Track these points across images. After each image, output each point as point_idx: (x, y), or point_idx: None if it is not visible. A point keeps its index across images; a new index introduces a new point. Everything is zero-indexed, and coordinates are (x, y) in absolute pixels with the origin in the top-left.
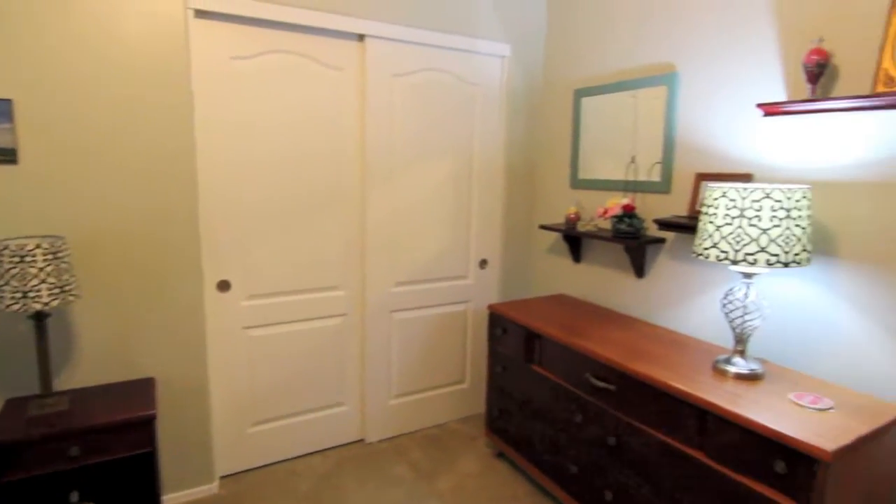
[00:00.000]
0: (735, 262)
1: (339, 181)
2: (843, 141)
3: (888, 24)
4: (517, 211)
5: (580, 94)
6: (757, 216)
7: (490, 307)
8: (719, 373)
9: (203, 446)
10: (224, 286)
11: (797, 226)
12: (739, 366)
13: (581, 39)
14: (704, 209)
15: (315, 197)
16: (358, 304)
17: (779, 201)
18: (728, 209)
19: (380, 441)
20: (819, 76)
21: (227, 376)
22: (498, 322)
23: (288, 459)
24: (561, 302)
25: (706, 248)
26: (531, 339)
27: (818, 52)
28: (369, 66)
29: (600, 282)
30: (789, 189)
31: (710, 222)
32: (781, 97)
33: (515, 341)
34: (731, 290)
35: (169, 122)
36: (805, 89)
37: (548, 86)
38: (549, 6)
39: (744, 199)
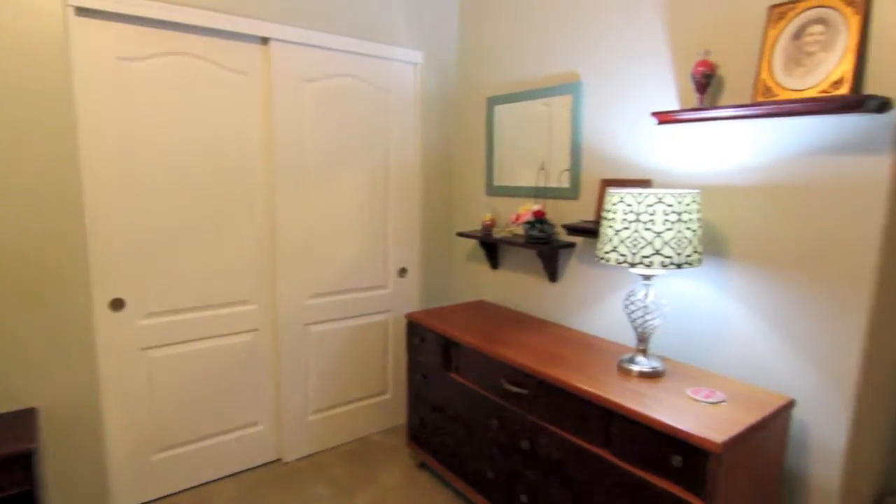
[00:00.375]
0: (633, 265)
1: (247, 190)
2: (730, 147)
3: (764, 38)
4: (435, 218)
5: (493, 101)
6: (651, 220)
7: (408, 316)
8: (624, 372)
9: (97, 479)
10: (118, 305)
11: (688, 228)
12: (642, 364)
13: (493, 48)
14: (605, 214)
15: (220, 207)
16: (270, 318)
17: (670, 205)
18: (625, 214)
19: (298, 460)
20: (706, 86)
21: (125, 402)
22: (416, 331)
23: (198, 486)
24: (480, 308)
25: (607, 252)
26: (448, 347)
27: (705, 63)
28: (275, 71)
29: (517, 287)
30: (680, 194)
31: (610, 227)
32: (675, 106)
33: (433, 350)
34: (632, 291)
35: (46, 131)
36: (695, 98)
37: (462, 93)
38: (461, 15)
39: (639, 203)
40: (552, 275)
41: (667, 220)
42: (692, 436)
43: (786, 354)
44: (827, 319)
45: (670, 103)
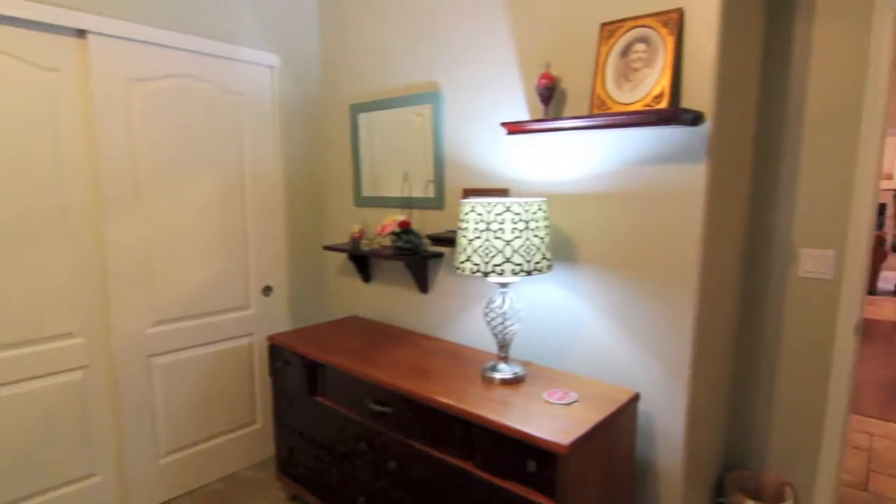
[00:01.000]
0: (486, 274)
1: (61, 204)
2: (575, 158)
3: (598, 54)
4: (303, 232)
5: (357, 109)
6: (501, 229)
7: (269, 338)
8: (487, 381)
9: None
10: None
11: (535, 236)
12: (504, 372)
13: (355, 54)
14: (459, 224)
15: (25, 224)
16: (103, 351)
17: (518, 214)
18: (476, 223)
19: None
20: (550, 98)
21: None
22: (279, 354)
23: None
24: (352, 325)
25: (462, 262)
26: (314, 369)
27: (546, 76)
28: (95, 68)
29: (390, 300)
30: (527, 202)
31: (464, 236)
32: (526, 117)
33: (297, 373)
34: (490, 299)
35: None
36: (541, 110)
37: (324, 100)
38: (321, 19)
39: (489, 213)
40: (423, 286)
41: (515, 229)
42: (542, 440)
43: (632, 350)
44: (663, 314)
45: (522, 114)
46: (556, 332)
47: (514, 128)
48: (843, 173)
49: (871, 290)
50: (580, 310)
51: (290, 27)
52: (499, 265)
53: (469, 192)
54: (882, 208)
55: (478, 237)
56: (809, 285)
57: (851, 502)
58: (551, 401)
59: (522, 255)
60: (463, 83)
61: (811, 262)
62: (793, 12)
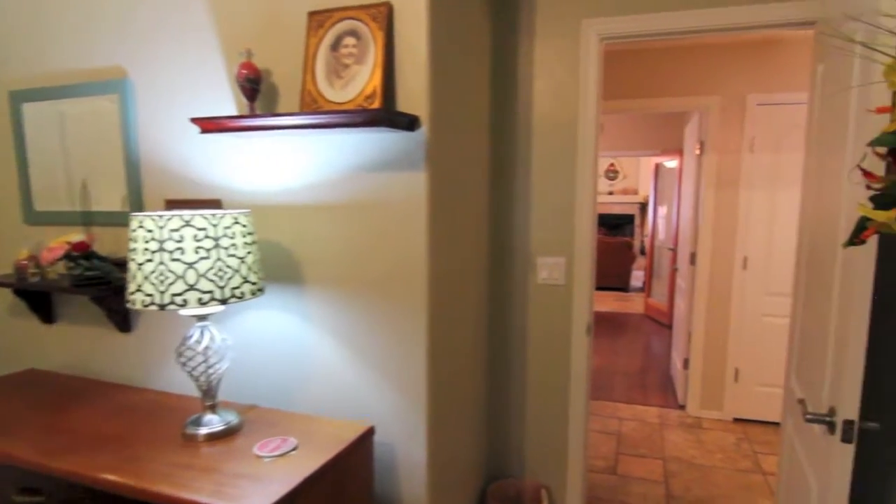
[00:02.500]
0: (162, 307)
1: None
2: (294, 163)
3: (307, 46)
4: None
5: (19, 97)
6: (179, 248)
7: None
8: (189, 439)
9: None
10: None
11: (232, 255)
12: (212, 424)
13: (13, 28)
14: (128, 244)
15: None
16: None
17: (203, 229)
18: (147, 243)
19: None
20: (255, 92)
21: None
22: None
23: None
24: (24, 383)
25: (132, 294)
26: None
27: (248, 66)
28: None
29: (80, 345)
30: (215, 215)
31: (133, 259)
32: (235, 114)
33: None
34: (185, 337)
35: None
36: (246, 106)
37: None
38: None
39: (161, 229)
40: (122, 324)
41: (200, 248)
42: None
43: (369, 379)
44: (397, 336)
45: (230, 111)
46: (284, 367)
47: (207, 125)
48: (567, 185)
49: (625, 287)
50: (310, 338)
51: None
52: (179, 294)
53: (172, 204)
54: (631, 218)
55: (149, 260)
56: (548, 291)
57: (601, 489)
58: (262, 454)
59: (213, 280)
60: (160, 71)
61: (546, 270)
62: (517, 30)
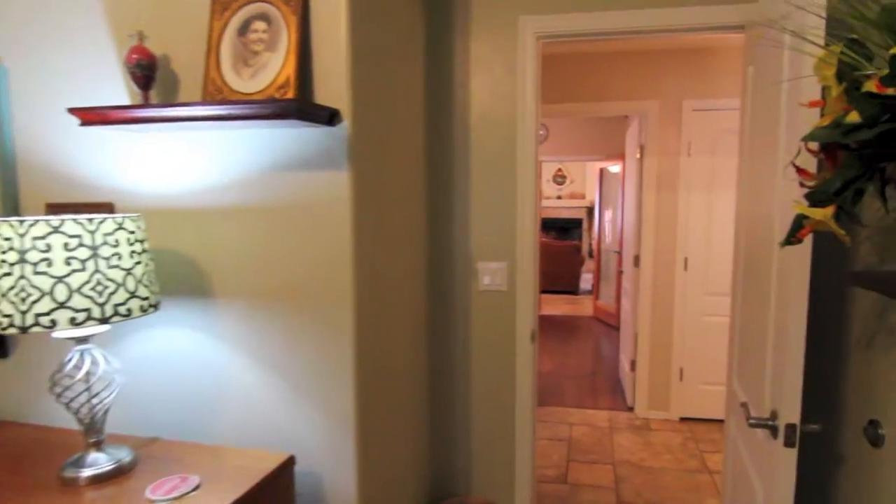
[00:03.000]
0: (25, 329)
1: None
2: (200, 161)
3: (211, 29)
4: None
5: None
6: (45, 260)
7: None
8: (69, 483)
9: None
10: None
11: (114, 267)
12: (98, 464)
13: None
14: None
15: None
16: None
17: (77, 237)
18: (4, 253)
19: None
20: (149, 80)
21: None
22: None
23: None
24: None
25: None
26: None
27: (139, 50)
28: None
29: None
30: (92, 220)
31: None
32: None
33: None
34: (61, 363)
35: None
36: (139, 95)
37: None
38: None
39: (23, 236)
40: None
41: (73, 259)
42: None
43: (290, 402)
44: (322, 353)
45: (124, 101)
46: (190, 392)
47: (88, 116)
48: (508, 186)
49: (574, 290)
50: (221, 358)
51: None
52: (45, 314)
53: (55, 209)
54: (580, 222)
55: (7, 274)
56: (490, 298)
57: (552, 499)
58: (155, 497)
59: (91, 297)
60: (38, 57)
61: (489, 276)
62: (452, 25)
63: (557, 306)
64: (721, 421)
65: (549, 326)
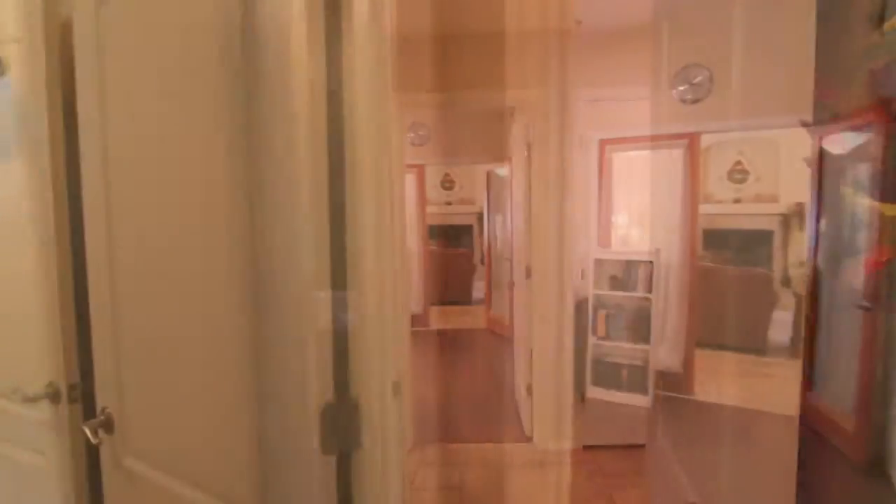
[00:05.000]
0: None
1: None
2: None
3: None
4: None
5: None
6: None
7: None
8: None
9: None
10: None
11: None
12: None
13: None
14: None
15: None
16: None
17: None
18: None
19: None
20: None
21: None
22: None
23: None
24: None
25: None
26: None
27: None
28: None
29: None
30: None
31: None
32: None
33: None
34: None
35: None
36: None
37: None
38: None
39: None
40: None
41: None
42: None
43: None
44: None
45: None
46: None
47: None
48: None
49: (467, 301)
50: None
51: None
52: None
53: None
54: (470, 229)
55: None
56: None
57: None
58: None
59: None
60: None
61: (328, 310)
62: None
63: (450, 319)
64: (629, 446)
65: (440, 342)
